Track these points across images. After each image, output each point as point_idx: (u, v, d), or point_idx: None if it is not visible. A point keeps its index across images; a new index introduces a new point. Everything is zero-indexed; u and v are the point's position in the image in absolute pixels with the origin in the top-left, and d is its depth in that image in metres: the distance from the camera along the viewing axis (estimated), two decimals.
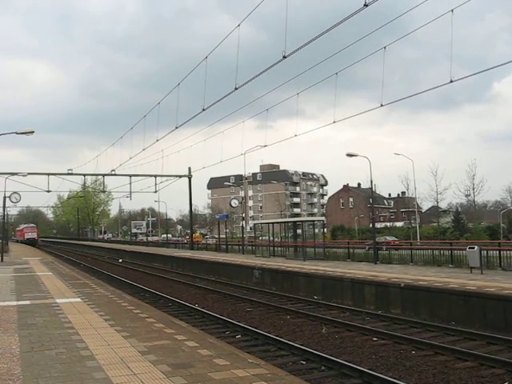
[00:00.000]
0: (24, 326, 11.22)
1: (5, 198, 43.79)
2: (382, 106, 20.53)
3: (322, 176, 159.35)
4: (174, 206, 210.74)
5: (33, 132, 23.21)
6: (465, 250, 23.10)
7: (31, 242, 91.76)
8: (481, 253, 21.45)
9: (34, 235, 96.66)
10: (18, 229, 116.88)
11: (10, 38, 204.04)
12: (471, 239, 40.60)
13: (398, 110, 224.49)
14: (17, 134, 23.19)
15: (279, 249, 37.81)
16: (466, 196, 64.73)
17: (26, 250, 69.10)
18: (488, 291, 15.47)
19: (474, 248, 21.62)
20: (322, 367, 10.93)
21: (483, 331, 13.84)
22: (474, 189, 62.74)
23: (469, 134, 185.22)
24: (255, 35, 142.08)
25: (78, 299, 15.77)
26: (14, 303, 14.88)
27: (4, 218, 60.31)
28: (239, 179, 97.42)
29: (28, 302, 15.00)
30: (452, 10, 16.57)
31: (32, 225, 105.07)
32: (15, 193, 48.23)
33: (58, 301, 15.30)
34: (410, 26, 34.78)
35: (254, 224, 57.35)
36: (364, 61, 22.72)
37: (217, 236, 67.14)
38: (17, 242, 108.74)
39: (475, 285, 16.90)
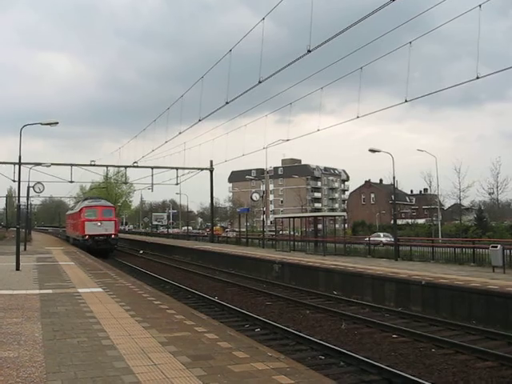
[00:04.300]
0: (46, 314, 11.37)
1: (28, 187, 44.43)
2: (406, 101, 20.37)
3: (344, 171, 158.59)
4: (195, 199, 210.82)
5: (57, 123, 23.33)
6: (487, 248, 22.86)
7: (101, 247, 40.40)
8: (504, 252, 21.22)
9: (110, 228, 41.73)
10: (70, 212, 59.00)
11: (34, 31, 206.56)
12: (494, 238, 40.10)
13: (418, 106, 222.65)
14: (41, 124, 23.32)
15: (299, 243, 37.77)
16: (490, 194, 63.78)
17: (47, 239, 69.83)
18: (510, 291, 15.28)
19: (496, 247, 21.38)
20: (341, 363, 10.93)
21: (505, 331, 13.69)
22: (497, 187, 61.84)
23: (491, 131, 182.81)
24: (276, 30, 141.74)
25: (100, 289, 15.93)
26: (37, 292, 15.08)
27: (27, 208, 61.11)
28: (260, 173, 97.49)
29: (50, 291, 15.19)
30: (480, 6, 16.35)
31: (102, 202, 47.40)
32: (39, 183, 48.90)
33: (80, 290, 15.47)
34: (430, 22, 34.52)
35: (275, 218, 57.36)
36: (384, 57, 22.57)
37: (237, 229, 67.29)
38: (67, 239, 58.09)
39: (497, 284, 16.72)
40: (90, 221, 41.21)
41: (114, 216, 43.65)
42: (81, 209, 43.78)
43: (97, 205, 43.99)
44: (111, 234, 41.45)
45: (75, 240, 46.36)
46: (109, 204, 47.41)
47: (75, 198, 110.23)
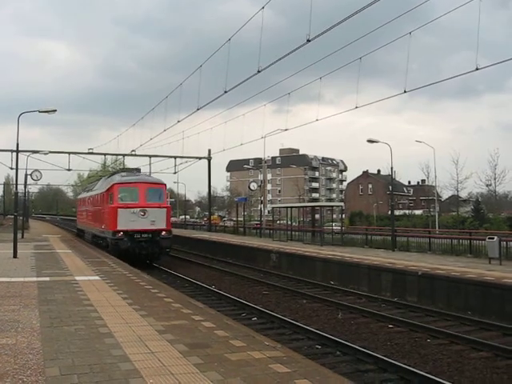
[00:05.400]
0: (44, 301, 11.39)
1: (26, 175, 44.39)
2: (405, 91, 20.33)
3: (342, 161, 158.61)
4: (192, 188, 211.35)
5: (55, 111, 23.31)
6: (484, 240, 22.92)
7: (145, 252, 25.65)
8: (500, 243, 21.26)
9: (160, 220, 26.21)
10: (85, 194, 40.27)
11: (33, 19, 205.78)
12: (491, 229, 40.20)
13: (416, 97, 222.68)
14: (39, 112, 23.29)
15: (297, 233, 37.83)
16: (487, 186, 63.82)
17: (44, 227, 69.83)
18: (506, 282, 15.34)
19: (493, 238, 21.43)
20: (338, 352, 11.00)
21: (500, 322, 13.77)
22: (495, 179, 61.90)
23: (489, 123, 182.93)
24: (275, 19, 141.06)
25: (97, 277, 15.96)
26: (35, 279, 15.10)
27: (25, 196, 61.04)
28: (258, 162, 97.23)
29: (48, 279, 15.21)
30: None
31: (144, 176, 31.18)
32: (36, 170, 48.73)
33: (77, 278, 15.50)
34: (429, 12, 34.49)
35: (273, 208, 57.38)
36: (383, 47, 22.57)
37: (235, 218, 67.32)
38: (78, 234, 42.62)
39: (493, 275, 16.77)
40: (127, 207, 25.65)
41: (165, 199, 27.85)
42: (111, 187, 27.05)
43: (137, 180, 27.51)
44: (161, 230, 26.09)
45: (97, 238, 30.46)
46: (156, 180, 30.01)
47: (73, 186, 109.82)
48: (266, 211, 58.53)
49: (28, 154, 43.11)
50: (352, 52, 22.50)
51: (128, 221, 25.42)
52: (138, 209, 25.59)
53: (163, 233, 26.10)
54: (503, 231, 35.81)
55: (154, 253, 26.06)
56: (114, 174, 32.57)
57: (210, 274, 25.15)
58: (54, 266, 18.82)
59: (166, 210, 26.87)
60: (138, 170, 32.77)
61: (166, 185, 28.53)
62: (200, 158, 53.95)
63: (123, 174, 29.83)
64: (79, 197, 47.06)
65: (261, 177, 63.44)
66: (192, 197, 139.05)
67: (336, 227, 49.77)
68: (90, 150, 50.71)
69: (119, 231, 25.38)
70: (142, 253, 25.40)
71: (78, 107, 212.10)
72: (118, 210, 25.59)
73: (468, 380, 9.48)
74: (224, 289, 19.81)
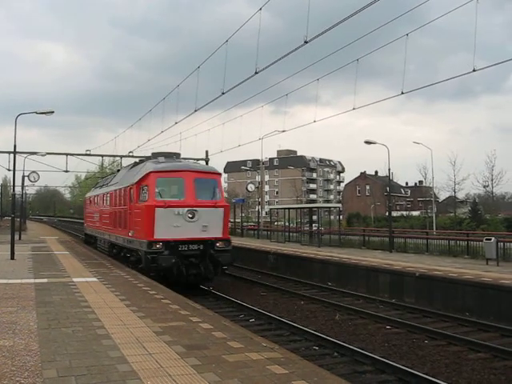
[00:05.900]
0: (41, 303, 11.37)
1: (23, 176, 44.30)
2: (402, 93, 20.31)
3: (339, 163, 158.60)
4: None
5: (53, 112, 23.31)
6: (481, 241, 22.98)
7: (194, 271, 18.13)
8: (497, 244, 21.31)
9: (214, 226, 18.55)
10: (99, 191, 29.95)
11: (31, 20, 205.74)
12: (488, 230, 40.26)
13: (414, 99, 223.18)
14: (37, 113, 23.31)
15: (294, 234, 37.85)
16: (485, 187, 63.98)
17: (42, 228, 69.71)
18: (504, 283, 15.37)
19: (490, 239, 21.48)
20: (335, 353, 11.00)
21: (497, 323, 13.80)
22: (492, 180, 62.05)
23: (486, 124, 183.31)
24: (272, 20, 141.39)
25: (95, 279, 15.92)
26: (32, 281, 15.07)
27: (22, 197, 60.89)
28: (256, 164, 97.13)
29: (45, 280, 15.18)
30: None
31: (186, 162, 21.71)
32: (34, 172, 48.56)
33: (75, 280, 15.47)
34: (426, 14, 34.56)
35: (270, 209, 57.35)
36: (380, 50, 22.63)
37: (232, 220, 67.24)
38: (87, 241, 35.59)
39: (491, 276, 16.80)
40: (168, 207, 18.09)
41: (221, 195, 20.22)
42: (144, 177, 19.18)
43: (182, 168, 19.56)
44: (216, 240, 18.82)
45: (119, 248, 23.17)
46: (208, 167, 23.60)
47: (70, 187, 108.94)
48: (264, 212, 58.53)
49: (25, 155, 42.91)
50: (349, 53, 22.62)
51: (170, 226, 18.02)
52: (185, 209, 18.17)
53: (218, 243, 18.79)
54: (500, 232, 35.86)
55: (208, 272, 18.59)
56: (142, 161, 23.60)
57: None
58: (52, 268, 18.79)
59: (223, 210, 19.27)
60: (177, 154, 22.44)
61: (221, 174, 21.08)
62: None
63: (160, 158, 20.65)
64: (88, 195, 38.50)
65: (258, 178, 63.41)
66: None
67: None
68: (88, 152, 50.61)
69: (158, 241, 17.93)
70: (191, 272, 18.25)
71: (76, 108, 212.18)
72: (156, 210, 18.04)
73: (466, 381, 9.50)
74: (222, 290, 19.77)
